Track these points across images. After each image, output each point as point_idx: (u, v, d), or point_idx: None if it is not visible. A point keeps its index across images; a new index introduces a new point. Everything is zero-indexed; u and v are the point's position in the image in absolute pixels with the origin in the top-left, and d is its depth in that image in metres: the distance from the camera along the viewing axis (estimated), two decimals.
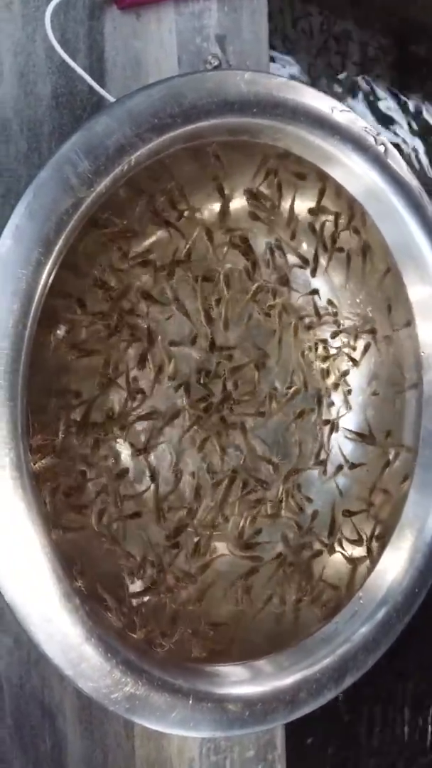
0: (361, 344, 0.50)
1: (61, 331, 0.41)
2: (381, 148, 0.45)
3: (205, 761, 0.50)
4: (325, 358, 0.51)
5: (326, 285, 0.51)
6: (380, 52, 0.76)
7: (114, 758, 0.47)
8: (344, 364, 0.51)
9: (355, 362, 0.51)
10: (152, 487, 0.46)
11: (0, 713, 0.46)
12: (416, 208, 0.45)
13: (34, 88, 0.46)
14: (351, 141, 0.44)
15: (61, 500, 0.39)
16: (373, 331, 0.49)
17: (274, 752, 0.52)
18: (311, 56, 0.72)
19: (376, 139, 0.45)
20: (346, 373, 0.51)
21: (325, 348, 0.50)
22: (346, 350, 0.51)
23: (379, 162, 0.45)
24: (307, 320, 0.50)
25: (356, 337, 0.50)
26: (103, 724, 0.47)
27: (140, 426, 0.46)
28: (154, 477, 0.46)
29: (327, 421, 0.51)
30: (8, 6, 0.45)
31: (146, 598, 0.42)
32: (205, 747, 0.50)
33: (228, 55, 0.52)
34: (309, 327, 0.50)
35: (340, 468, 0.51)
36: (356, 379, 0.52)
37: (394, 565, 0.46)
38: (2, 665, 0.45)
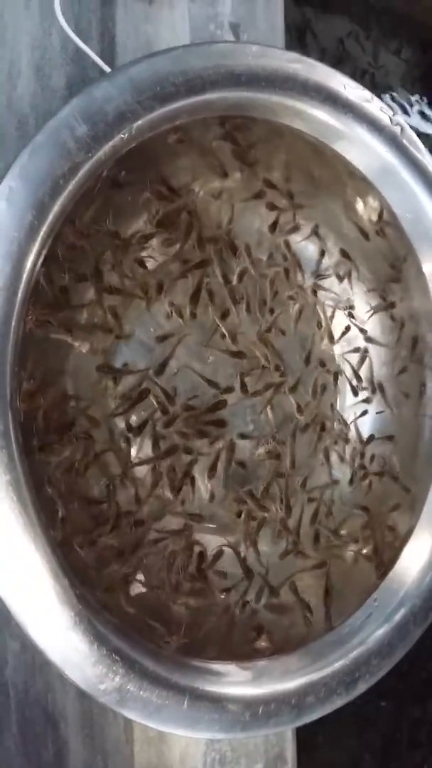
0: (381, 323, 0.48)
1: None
2: (397, 129, 0.44)
3: None
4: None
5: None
6: (402, 61, 0.75)
7: (114, 764, 0.45)
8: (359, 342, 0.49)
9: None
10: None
11: (6, 721, 0.44)
12: None
13: (49, 81, 0.46)
14: (365, 120, 0.43)
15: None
16: (391, 305, 0.47)
17: (284, 766, 0.49)
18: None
19: (391, 120, 0.44)
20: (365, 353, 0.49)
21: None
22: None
23: (396, 143, 0.44)
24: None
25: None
26: (104, 729, 0.45)
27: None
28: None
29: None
30: (27, 4, 0.46)
31: None
32: (209, 757, 0.47)
33: None
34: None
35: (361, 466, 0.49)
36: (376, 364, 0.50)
37: (412, 567, 0.43)
38: (9, 670, 0.44)
